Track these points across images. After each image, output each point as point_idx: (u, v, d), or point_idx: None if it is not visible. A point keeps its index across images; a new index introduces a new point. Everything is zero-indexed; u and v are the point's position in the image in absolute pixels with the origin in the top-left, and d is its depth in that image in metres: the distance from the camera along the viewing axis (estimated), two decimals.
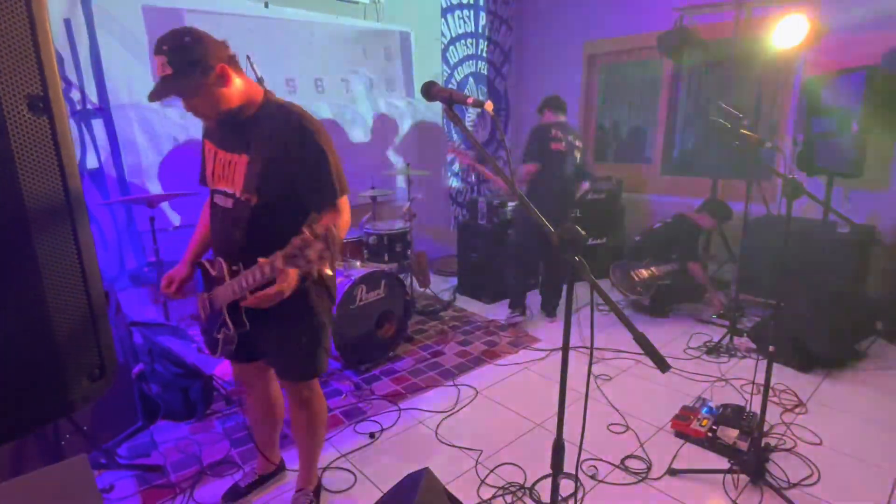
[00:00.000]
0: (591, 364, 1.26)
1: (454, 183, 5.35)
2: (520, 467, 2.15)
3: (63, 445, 1.86)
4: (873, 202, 3.66)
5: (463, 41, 5.12)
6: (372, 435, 2.38)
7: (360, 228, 3.68)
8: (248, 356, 1.76)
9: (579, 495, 2.00)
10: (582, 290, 3.58)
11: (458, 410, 2.61)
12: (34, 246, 0.82)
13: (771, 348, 1.96)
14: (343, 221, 1.56)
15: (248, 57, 2.48)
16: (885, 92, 3.24)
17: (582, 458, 2.15)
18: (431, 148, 5.01)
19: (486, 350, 3.31)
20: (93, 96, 3.08)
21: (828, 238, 3.51)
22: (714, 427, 2.31)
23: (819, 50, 3.68)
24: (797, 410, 2.57)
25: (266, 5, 3.66)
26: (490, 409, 2.64)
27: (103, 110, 3.11)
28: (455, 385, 2.86)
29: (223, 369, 2.64)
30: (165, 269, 2.50)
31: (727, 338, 3.29)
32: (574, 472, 2.00)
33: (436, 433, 2.42)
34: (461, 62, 5.15)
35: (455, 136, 5.15)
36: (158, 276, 2.88)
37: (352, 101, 4.29)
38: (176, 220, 3.49)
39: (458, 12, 4.99)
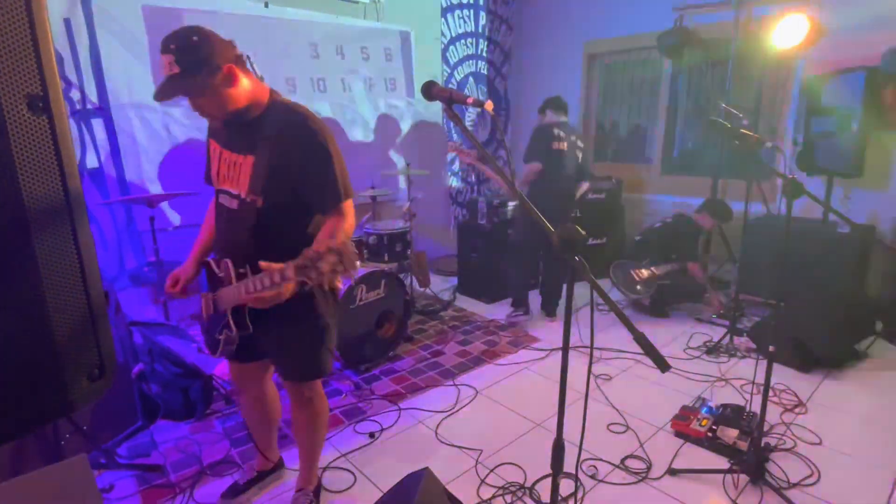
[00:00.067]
0: (591, 364, 1.26)
1: (454, 183, 5.35)
2: (520, 467, 2.15)
3: (63, 445, 1.86)
4: (873, 202, 3.66)
5: (463, 41, 5.12)
6: (372, 435, 2.38)
7: (360, 228, 3.68)
8: (249, 356, 1.75)
9: (579, 495, 2.00)
10: (582, 290, 3.59)
11: (457, 410, 2.61)
12: (34, 246, 0.82)
13: (771, 348, 1.96)
14: (348, 225, 1.55)
15: (248, 57, 2.48)
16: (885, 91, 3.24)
17: (582, 457, 2.15)
18: (431, 148, 5.01)
19: (485, 350, 3.31)
20: (93, 96, 3.08)
21: (828, 238, 3.51)
22: (714, 427, 2.31)
23: (819, 50, 3.67)
24: (797, 410, 2.57)
25: (266, 5, 3.66)
26: (490, 408, 2.65)
27: (103, 110, 3.11)
28: (455, 385, 2.86)
29: (223, 369, 2.63)
30: (165, 269, 2.50)
31: (727, 338, 3.29)
32: (574, 472, 2.00)
33: (436, 433, 2.42)
34: (461, 62, 5.15)
35: (455, 136, 5.15)
36: (158, 275, 2.88)
37: (352, 101, 4.28)
38: (176, 219, 3.49)
39: (458, 12, 4.99)
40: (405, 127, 4.75)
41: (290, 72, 3.85)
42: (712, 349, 3.23)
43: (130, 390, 2.32)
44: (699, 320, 3.76)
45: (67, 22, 2.92)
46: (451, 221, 5.35)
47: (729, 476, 2.05)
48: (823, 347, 2.93)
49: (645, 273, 3.78)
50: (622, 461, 2.19)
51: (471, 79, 5.29)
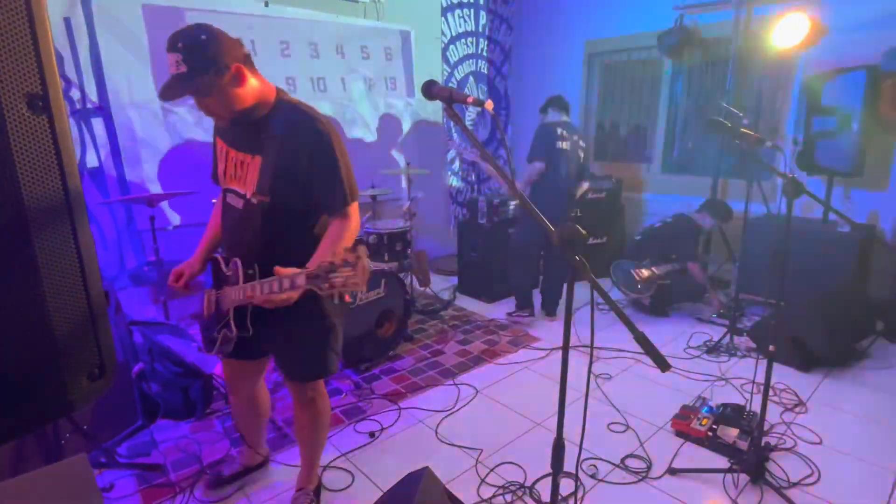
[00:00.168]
0: (591, 363, 1.26)
1: (454, 182, 5.35)
2: (520, 466, 2.15)
3: (63, 445, 1.86)
4: (873, 201, 3.66)
5: (463, 40, 5.11)
6: (372, 434, 2.38)
7: (360, 227, 3.68)
8: (249, 354, 1.74)
9: (579, 494, 2.00)
10: (582, 290, 3.58)
11: (458, 410, 2.61)
12: (33, 245, 0.81)
13: (771, 347, 1.96)
14: (352, 227, 1.55)
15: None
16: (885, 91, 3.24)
17: (582, 457, 2.15)
18: (431, 147, 5.01)
19: (486, 349, 3.31)
20: (93, 95, 3.08)
21: (828, 238, 3.51)
22: (714, 426, 2.31)
23: (819, 49, 3.67)
24: (797, 410, 2.58)
25: (266, 4, 3.66)
26: (490, 408, 2.65)
27: (103, 109, 3.11)
28: (455, 384, 2.86)
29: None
30: (165, 269, 2.50)
31: (727, 337, 3.29)
32: (574, 472, 2.00)
33: (436, 432, 2.42)
34: (461, 61, 5.15)
35: (455, 136, 5.15)
36: (158, 275, 2.88)
37: (352, 101, 4.28)
38: (176, 219, 3.49)
39: (458, 11, 4.98)
40: (405, 126, 4.75)
41: (290, 71, 3.85)
42: (712, 349, 3.23)
43: (130, 390, 2.32)
44: (699, 320, 3.76)
45: (67, 21, 2.92)
46: (451, 221, 5.35)
47: (729, 475, 2.05)
48: (823, 347, 2.93)
49: (645, 273, 3.78)
50: (622, 460, 2.19)
51: (471, 78, 5.28)
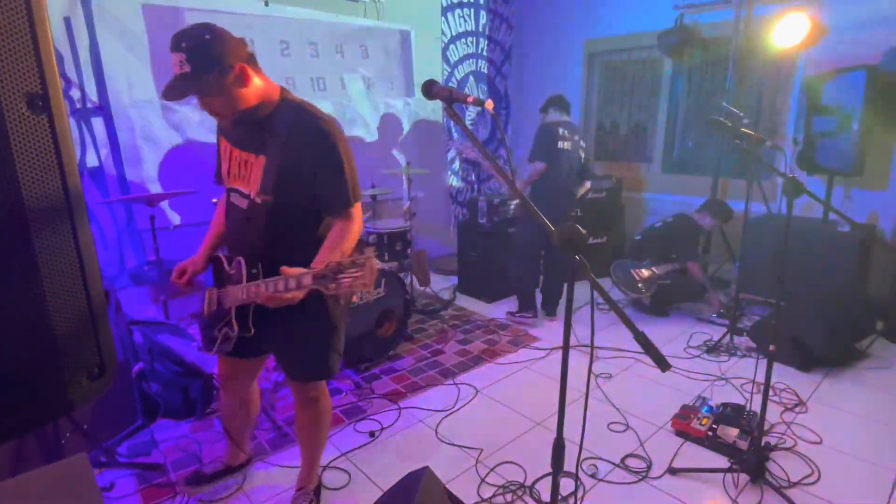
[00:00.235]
0: (591, 363, 1.26)
1: (454, 182, 5.35)
2: (520, 466, 2.15)
3: (63, 444, 1.86)
4: (874, 201, 3.66)
5: (463, 40, 5.11)
6: (372, 433, 2.38)
7: (362, 228, 3.68)
8: (248, 352, 1.73)
9: (579, 494, 2.00)
10: (582, 289, 3.58)
11: (458, 409, 2.61)
12: (33, 245, 0.81)
13: (771, 347, 1.96)
14: (355, 228, 1.54)
15: None
16: (885, 91, 3.24)
17: (582, 456, 2.15)
18: (431, 147, 5.01)
19: (486, 349, 3.31)
20: (93, 95, 3.08)
21: (828, 237, 3.51)
22: (714, 426, 2.31)
23: (819, 49, 3.67)
24: (797, 409, 2.57)
25: (266, 3, 3.65)
26: (490, 407, 2.65)
27: (103, 109, 3.11)
28: (455, 384, 2.86)
29: None
30: (165, 268, 2.50)
31: (727, 337, 3.29)
32: (574, 471, 2.00)
33: (436, 432, 2.42)
34: (461, 61, 5.15)
35: (455, 135, 5.15)
36: (158, 274, 2.88)
37: (351, 100, 4.28)
38: (176, 218, 3.49)
39: (458, 11, 4.98)
40: (405, 126, 4.75)
41: (290, 71, 3.85)
42: (712, 348, 3.23)
43: (130, 389, 2.31)
44: (699, 319, 3.76)
45: (67, 20, 2.92)
46: (451, 220, 5.35)
47: (729, 475, 2.05)
48: (824, 346, 2.93)
49: (645, 272, 3.78)
50: (622, 460, 2.19)
51: (471, 78, 5.28)
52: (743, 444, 2.18)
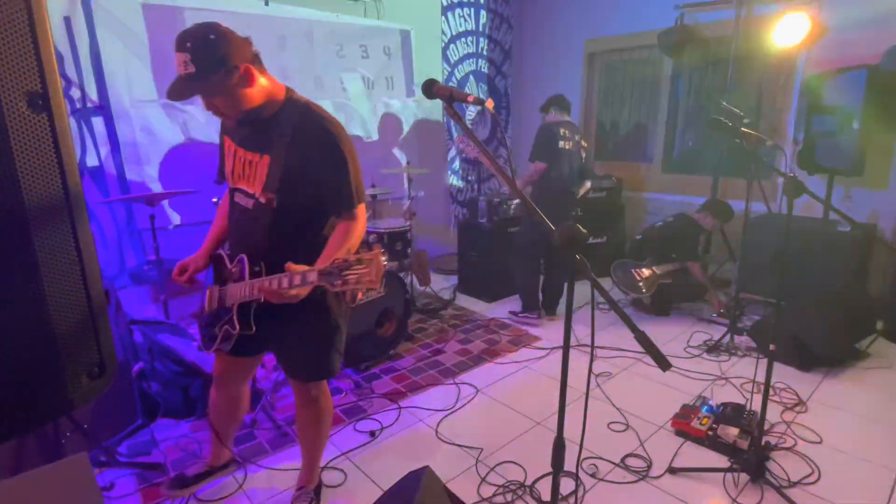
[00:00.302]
0: (591, 362, 1.25)
1: (454, 181, 5.35)
2: (520, 466, 2.15)
3: (63, 444, 1.86)
4: (874, 200, 3.66)
5: (463, 39, 5.11)
6: (372, 433, 2.38)
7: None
8: (246, 350, 1.73)
9: (579, 494, 2.00)
10: (582, 289, 3.58)
11: (458, 409, 2.61)
12: (33, 244, 0.81)
13: (771, 347, 1.96)
14: (360, 228, 1.55)
15: None
16: (885, 90, 3.24)
17: (582, 456, 2.15)
18: (431, 146, 5.01)
19: (486, 349, 3.31)
20: (93, 94, 3.08)
21: (828, 237, 3.51)
22: (714, 426, 2.30)
23: (820, 48, 3.67)
24: (797, 409, 2.57)
25: (266, 3, 3.65)
26: (490, 407, 2.64)
27: (103, 108, 3.11)
28: (455, 383, 2.86)
29: None
30: (165, 268, 2.50)
31: (727, 336, 3.29)
32: (574, 471, 2.00)
33: (436, 431, 2.42)
34: (462, 60, 5.15)
35: (456, 134, 5.15)
36: (158, 274, 2.88)
37: (351, 100, 4.28)
38: (176, 218, 3.49)
39: (458, 10, 4.98)
40: (405, 125, 4.75)
41: (290, 70, 3.85)
42: (713, 348, 3.23)
43: (131, 389, 2.32)
44: (700, 319, 3.76)
45: (67, 20, 2.92)
46: (451, 220, 5.35)
47: (729, 475, 2.05)
48: (824, 346, 2.93)
49: (646, 272, 3.78)
50: (622, 460, 2.19)
51: (471, 77, 5.28)
52: (743, 444, 2.18)
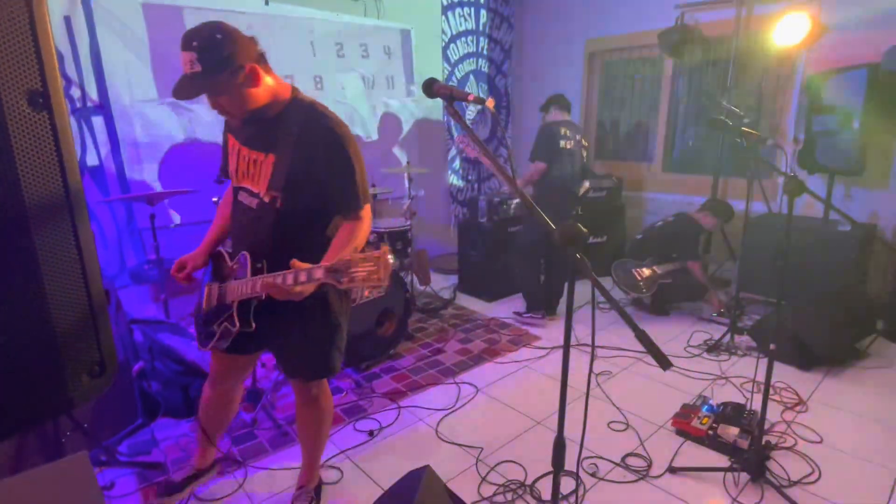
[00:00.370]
0: (592, 362, 1.25)
1: (455, 181, 5.35)
2: (520, 465, 2.15)
3: (63, 443, 1.86)
4: (874, 200, 3.66)
5: (464, 39, 5.11)
6: (371, 433, 2.38)
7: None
8: (244, 348, 1.72)
9: (580, 493, 2.00)
10: (582, 289, 3.58)
11: (458, 408, 2.61)
12: (34, 241, 0.81)
13: (771, 346, 1.96)
14: (365, 229, 1.54)
15: None
16: (886, 90, 3.24)
17: (582, 455, 2.15)
18: (432, 146, 5.00)
19: (486, 348, 3.31)
20: (93, 94, 3.08)
21: (829, 236, 3.51)
22: (714, 425, 2.30)
23: (820, 48, 3.67)
24: (798, 409, 2.57)
25: (266, 2, 3.65)
26: (491, 406, 2.64)
27: (103, 108, 3.11)
28: (455, 383, 2.86)
29: None
30: (166, 267, 2.50)
31: (728, 336, 3.29)
32: (575, 470, 2.00)
33: (436, 431, 2.42)
34: (462, 60, 5.15)
35: (456, 134, 5.15)
36: (159, 273, 2.88)
37: (351, 99, 4.28)
38: (176, 217, 3.49)
39: (458, 10, 4.98)
40: (405, 125, 4.75)
41: (289, 69, 3.85)
42: (713, 347, 3.23)
43: (131, 388, 2.32)
44: (700, 319, 3.76)
45: (67, 20, 2.92)
46: (451, 219, 5.35)
47: (729, 474, 2.05)
48: (824, 346, 2.93)
49: (646, 272, 3.78)
50: (623, 459, 2.19)
51: (471, 77, 5.28)
52: (743, 444, 2.18)
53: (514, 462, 2.17)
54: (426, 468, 1.56)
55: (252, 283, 1.47)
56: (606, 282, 3.84)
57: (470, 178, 5.48)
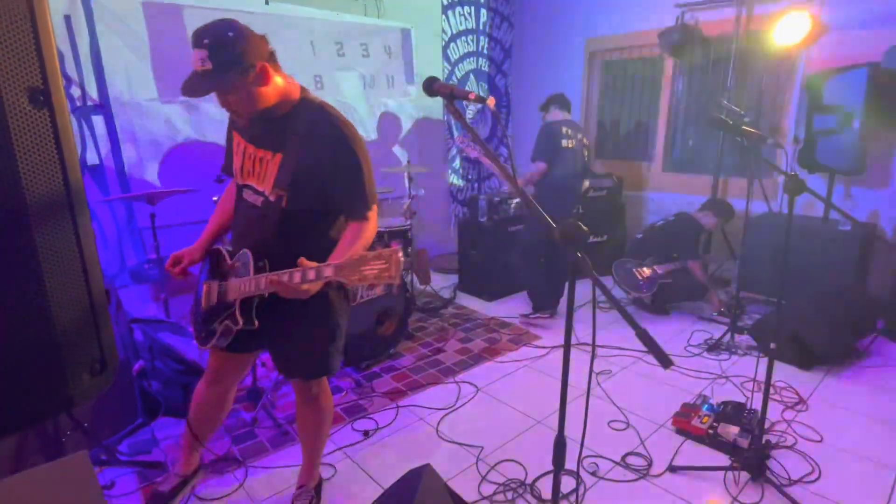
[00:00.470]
0: (592, 361, 1.25)
1: (455, 180, 5.35)
2: (521, 464, 2.15)
3: (64, 442, 1.85)
4: (874, 200, 3.66)
5: (464, 38, 5.11)
6: (366, 433, 2.37)
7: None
8: (243, 347, 1.71)
9: (580, 492, 2.00)
10: (583, 289, 3.58)
11: (458, 407, 2.61)
12: (35, 239, 0.81)
13: (772, 346, 1.96)
14: (371, 230, 1.54)
15: None
16: (886, 89, 3.23)
17: (583, 454, 2.15)
18: (432, 145, 5.00)
19: (486, 347, 3.31)
20: (93, 93, 3.07)
21: (829, 236, 3.51)
22: (715, 424, 2.30)
23: (821, 47, 3.67)
24: (798, 408, 2.57)
25: (266, 1, 3.65)
26: (491, 405, 2.64)
27: (103, 107, 3.11)
28: (456, 382, 2.86)
29: None
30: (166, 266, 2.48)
31: (728, 335, 3.29)
32: (575, 469, 1.99)
33: (437, 430, 2.42)
34: (462, 59, 5.15)
35: (456, 133, 5.15)
36: (159, 272, 2.88)
37: (351, 98, 4.28)
38: (176, 217, 3.48)
39: (458, 9, 4.98)
40: (405, 124, 4.74)
41: (289, 69, 3.76)
42: (713, 346, 3.23)
43: (131, 387, 2.32)
44: (700, 318, 3.76)
45: (68, 19, 2.91)
46: (451, 219, 5.35)
47: (730, 473, 2.05)
48: (824, 345, 2.93)
49: (647, 271, 3.78)
50: (623, 458, 2.19)
51: (472, 76, 5.28)
52: (743, 443, 2.18)
53: (515, 461, 2.17)
54: (426, 467, 1.56)
55: (256, 280, 1.46)
56: (607, 281, 3.84)
57: (470, 177, 5.48)
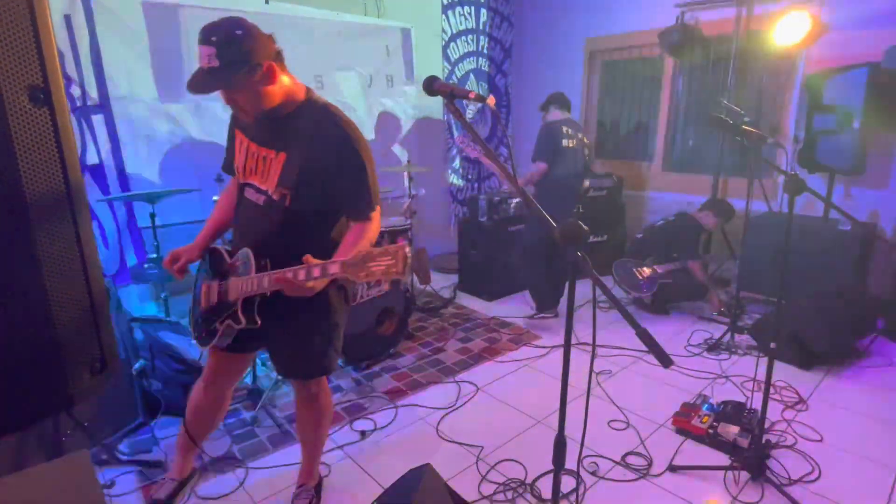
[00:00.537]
0: (592, 360, 1.25)
1: (455, 180, 5.35)
2: (521, 464, 2.15)
3: (64, 441, 1.86)
4: (874, 200, 3.66)
5: (464, 38, 5.10)
6: (363, 433, 2.37)
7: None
8: (243, 347, 1.71)
9: (580, 491, 2.00)
10: (583, 288, 3.57)
11: (459, 407, 2.61)
12: (35, 238, 0.81)
13: (772, 345, 1.96)
14: (374, 230, 1.55)
15: None
16: (886, 89, 3.23)
17: (583, 454, 2.15)
18: (432, 144, 5.00)
19: (486, 347, 3.31)
20: (93, 92, 3.07)
21: (829, 235, 3.51)
22: (715, 424, 2.30)
23: (821, 46, 3.67)
24: (798, 407, 2.57)
25: (266, 1, 3.65)
26: (491, 405, 2.64)
27: (103, 106, 3.11)
28: (456, 382, 2.86)
29: None
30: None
31: (728, 335, 3.29)
32: (575, 469, 1.99)
33: (437, 429, 2.42)
34: (462, 59, 5.14)
35: (456, 133, 5.15)
36: (159, 272, 2.88)
37: (351, 98, 4.27)
38: (176, 216, 3.48)
39: (458, 8, 4.97)
40: (405, 124, 4.74)
41: (289, 69, 3.83)
42: (713, 346, 3.23)
43: (131, 387, 2.32)
44: (700, 318, 3.76)
45: (68, 18, 2.91)
46: (451, 219, 5.35)
47: (730, 473, 2.05)
48: (824, 344, 2.93)
49: (647, 271, 3.78)
50: (623, 458, 2.19)
51: (472, 76, 5.28)
52: (743, 442, 2.18)
53: (515, 461, 2.17)
54: (426, 466, 1.56)
55: (259, 279, 1.46)
56: (607, 281, 3.83)
57: (470, 176, 5.47)
